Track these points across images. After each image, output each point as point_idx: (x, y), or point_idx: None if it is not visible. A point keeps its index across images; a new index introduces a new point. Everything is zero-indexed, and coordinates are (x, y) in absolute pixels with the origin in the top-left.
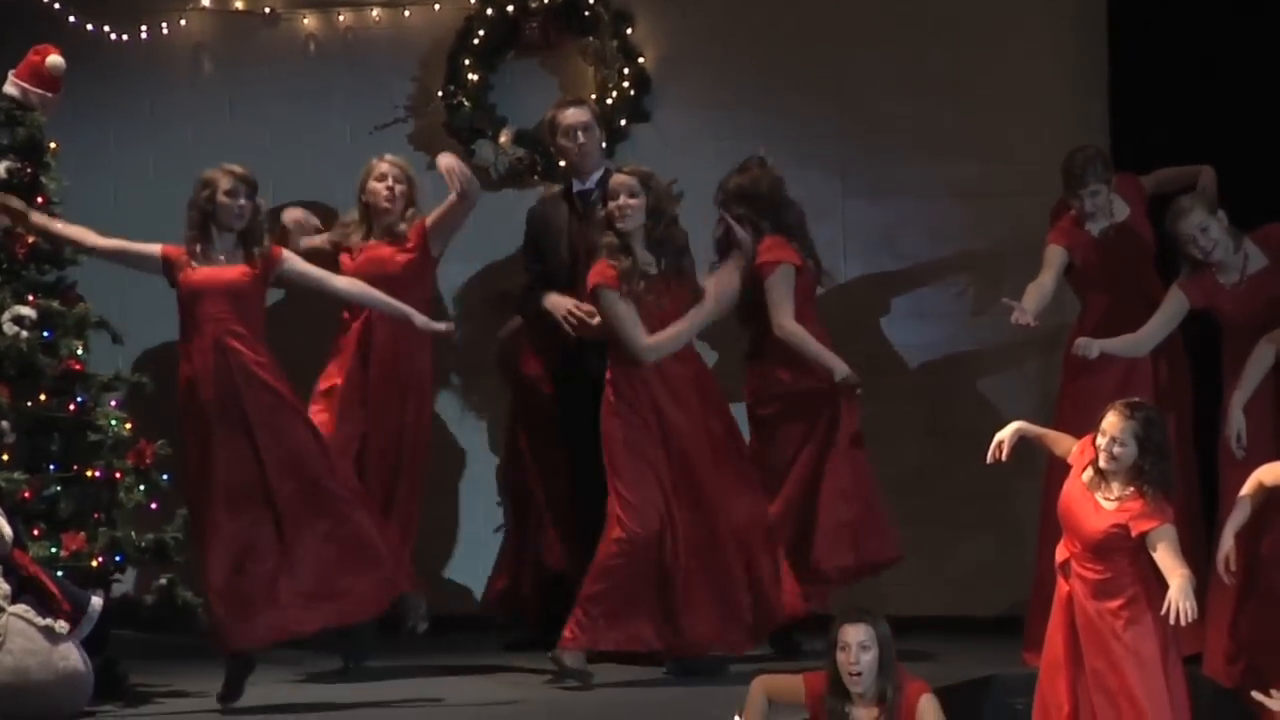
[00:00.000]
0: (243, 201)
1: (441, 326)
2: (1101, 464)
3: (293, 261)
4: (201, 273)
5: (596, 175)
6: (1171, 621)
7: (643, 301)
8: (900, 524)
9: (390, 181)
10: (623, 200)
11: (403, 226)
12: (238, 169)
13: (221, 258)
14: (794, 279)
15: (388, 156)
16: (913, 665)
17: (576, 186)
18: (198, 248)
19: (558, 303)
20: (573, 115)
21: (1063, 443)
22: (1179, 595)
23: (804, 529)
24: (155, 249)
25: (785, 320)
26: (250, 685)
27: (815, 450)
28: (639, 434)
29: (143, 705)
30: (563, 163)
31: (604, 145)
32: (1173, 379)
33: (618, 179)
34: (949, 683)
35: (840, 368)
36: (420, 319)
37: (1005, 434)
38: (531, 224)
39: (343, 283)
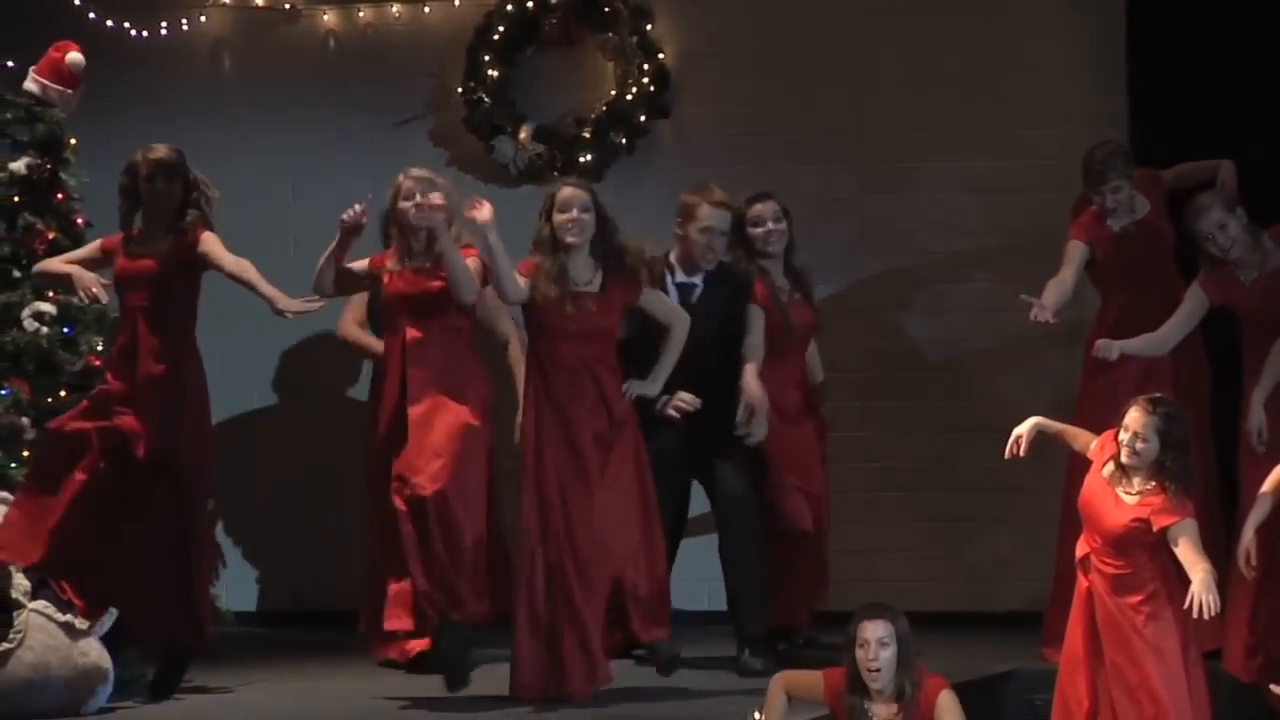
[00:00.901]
0: (159, 186)
1: (297, 305)
2: (1123, 459)
3: (208, 244)
4: (125, 262)
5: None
6: (1195, 616)
7: (577, 316)
8: (919, 519)
9: (418, 198)
10: (575, 213)
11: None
12: (158, 151)
13: (148, 245)
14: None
15: (412, 171)
16: (931, 661)
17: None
18: (131, 235)
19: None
20: (709, 216)
21: (1081, 438)
22: (1201, 589)
23: None
24: (94, 246)
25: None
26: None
27: None
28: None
29: (163, 700)
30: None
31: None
32: (1192, 375)
33: (569, 192)
34: (968, 678)
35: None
36: (282, 301)
37: (1023, 429)
38: None
39: (229, 264)
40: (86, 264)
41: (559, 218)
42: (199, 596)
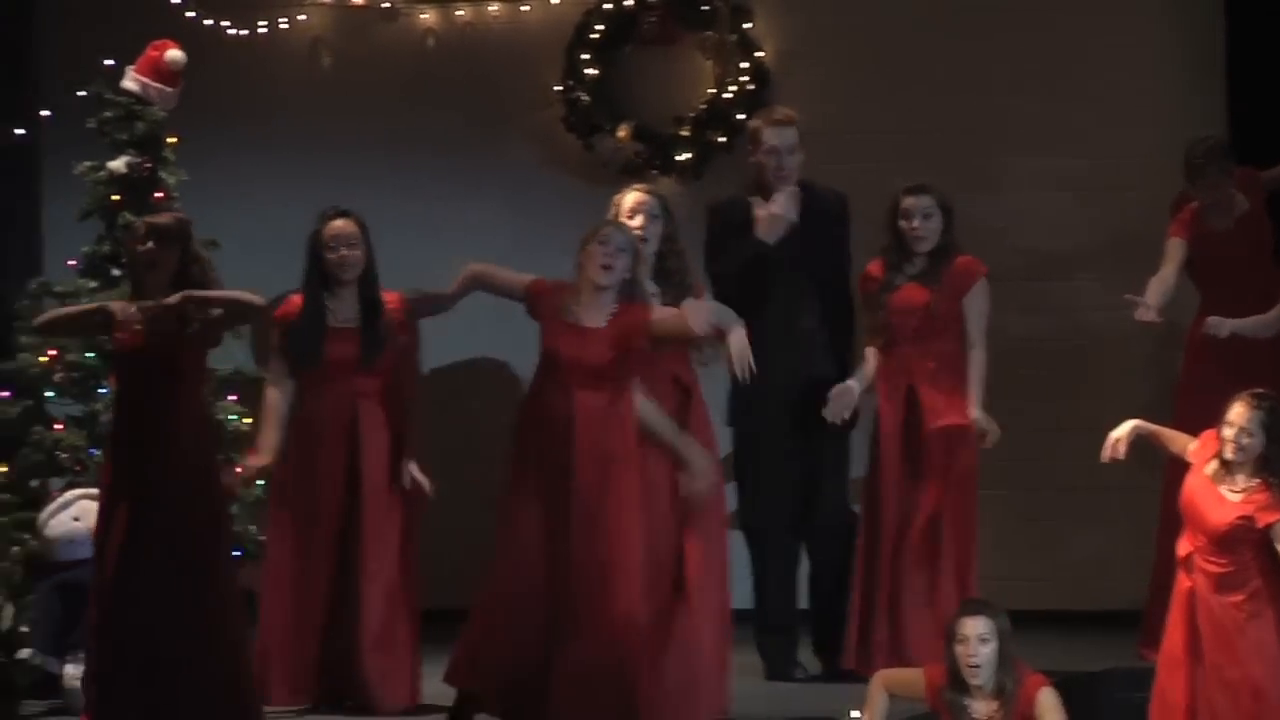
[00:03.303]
0: (150, 245)
1: None
2: (1228, 455)
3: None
4: (126, 333)
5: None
6: None
7: None
8: (1017, 517)
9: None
10: (642, 220)
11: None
12: (160, 216)
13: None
14: None
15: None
16: (1030, 659)
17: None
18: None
19: None
20: (770, 136)
21: (1179, 440)
22: None
23: None
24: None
25: None
26: None
27: None
28: None
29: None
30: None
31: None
32: None
33: (637, 197)
34: (1066, 676)
35: None
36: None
37: (1121, 432)
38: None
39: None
40: (88, 319)
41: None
42: None
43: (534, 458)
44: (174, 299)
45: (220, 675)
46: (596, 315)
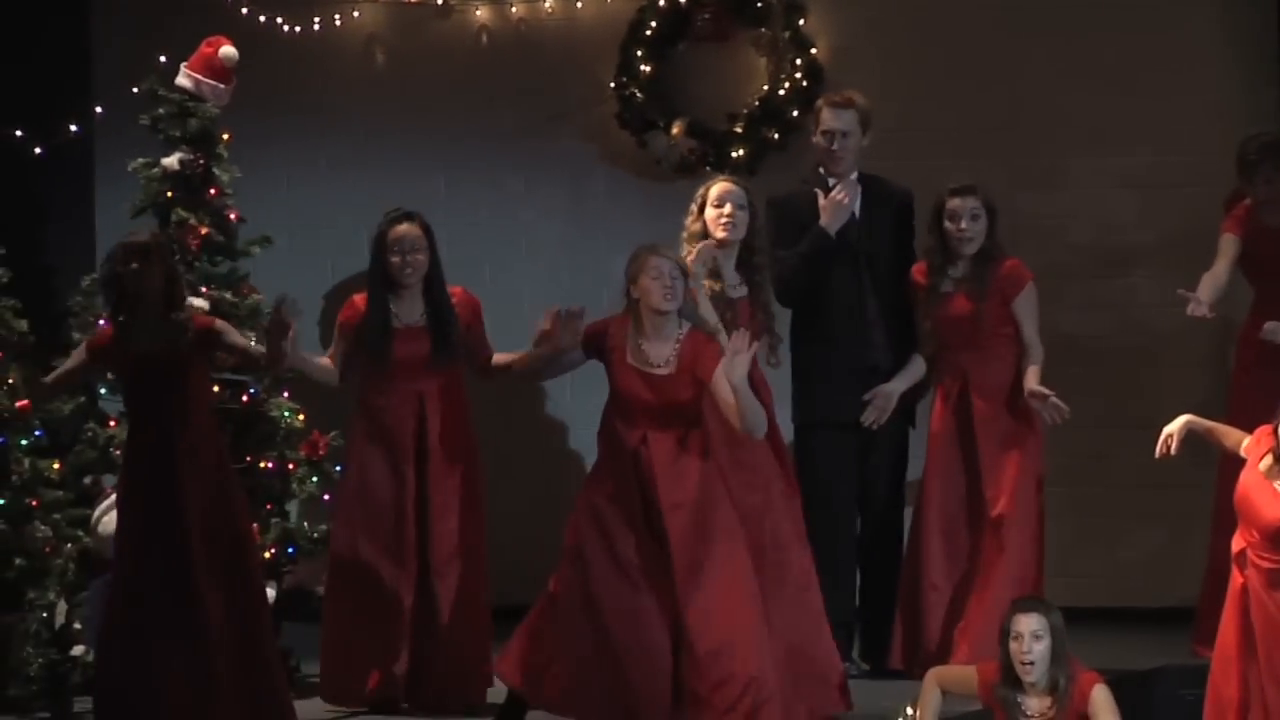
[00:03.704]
0: (135, 266)
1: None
2: None
3: (226, 334)
4: (127, 358)
5: (851, 175)
6: None
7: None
8: (1070, 514)
9: (731, 216)
10: (730, 209)
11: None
12: (135, 235)
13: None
14: None
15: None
16: (1084, 656)
17: (833, 182)
18: (119, 332)
19: None
20: (827, 117)
21: (1232, 436)
22: None
23: None
24: (79, 353)
25: None
26: None
27: None
28: None
29: (314, 696)
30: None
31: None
32: None
33: (725, 186)
34: (1119, 673)
35: None
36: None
37: (1174, 428)
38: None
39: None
40: (70, 373)
41: (712, 212)
42: None
43: (612, 493)
44: (207, 324)
45: (247, 681)
46: (663, 347)
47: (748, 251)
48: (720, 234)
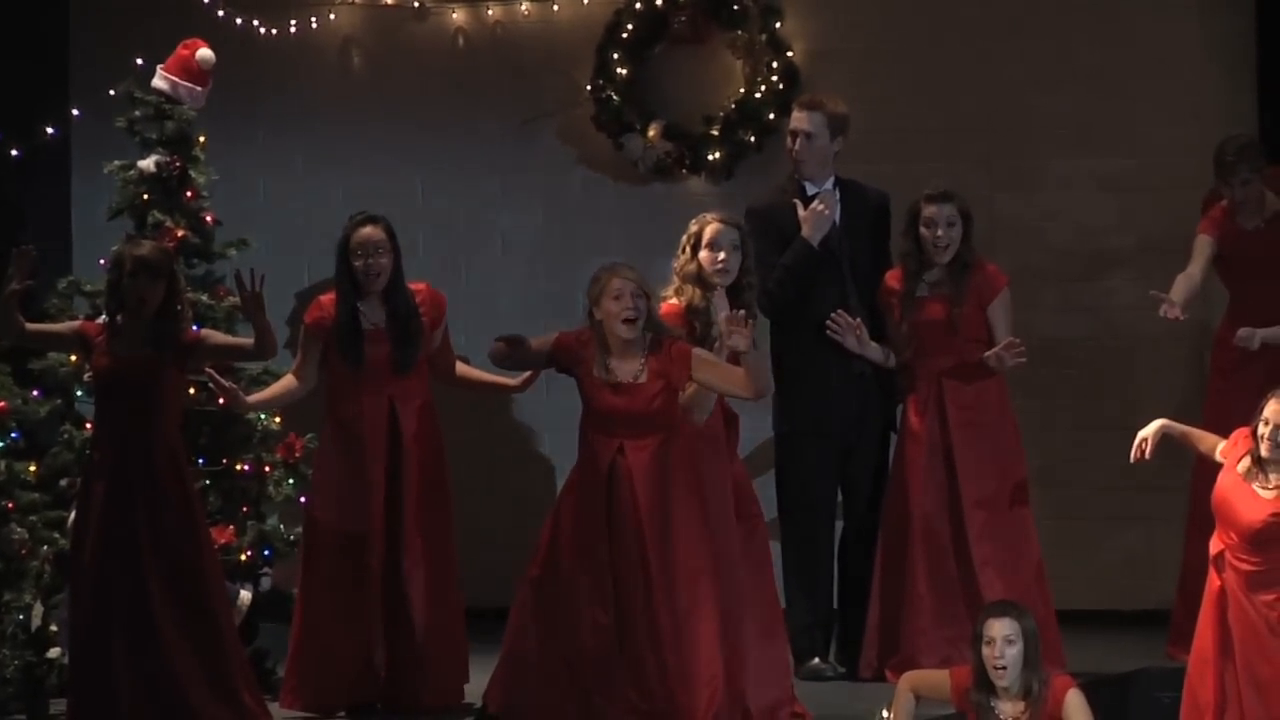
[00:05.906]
0: (139, 280)
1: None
2: (1263, 453)
3: (211, 339)
4: (109, 359)
5: (829, 181)
6: None
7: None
8: (1049, 517)
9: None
10: (725, 255)
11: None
12: (144, 248)
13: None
14: None
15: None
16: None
17: (810, 190)
18: (110, 331)
19: None
20: (794, 117)
21: (1206, 440)
22: None
23: None
24: (72, 325)
25: None
26: None
27: None
28: None
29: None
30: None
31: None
32: None
33: (717, 228)
34: (1097, 676)
35: None
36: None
37: (1148, 432)
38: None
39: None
40: (56, 336)
41: (706, 254)
42: None
43: (588, 507)
44: (194, 337)
45: (207, 684)
46: (631, 364)
47: (738, 290)
48: (717, 280)
